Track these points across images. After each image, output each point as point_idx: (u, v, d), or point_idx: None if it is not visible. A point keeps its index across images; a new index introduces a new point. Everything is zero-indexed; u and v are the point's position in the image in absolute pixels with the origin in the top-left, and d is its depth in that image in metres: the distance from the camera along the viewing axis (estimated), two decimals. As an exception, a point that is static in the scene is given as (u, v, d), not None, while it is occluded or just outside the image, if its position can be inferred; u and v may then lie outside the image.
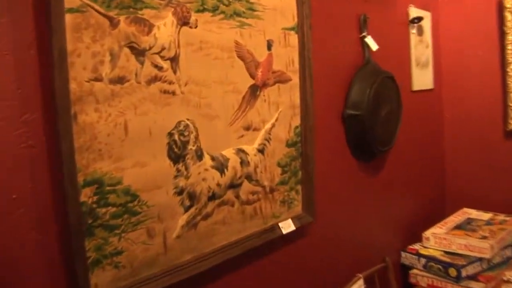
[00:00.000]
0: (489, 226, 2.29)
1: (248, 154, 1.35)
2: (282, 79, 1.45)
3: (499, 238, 2.14)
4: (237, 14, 1.29)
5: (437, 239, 2.20)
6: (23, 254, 0.95)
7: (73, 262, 0.99)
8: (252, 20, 1.34)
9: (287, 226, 1.48)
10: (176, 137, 1.15)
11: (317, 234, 1.68)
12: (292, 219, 1.52)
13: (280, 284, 1.54)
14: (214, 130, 1.25)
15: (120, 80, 1.04)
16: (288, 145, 1.49)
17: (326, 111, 1.71)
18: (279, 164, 1.46)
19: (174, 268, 1.18)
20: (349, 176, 1.87)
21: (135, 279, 1.09)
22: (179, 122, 1.16)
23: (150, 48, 1.09)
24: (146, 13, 1.08)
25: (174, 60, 1.14)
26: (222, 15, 1.25)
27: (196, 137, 1.20)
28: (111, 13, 1.02)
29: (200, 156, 1.21)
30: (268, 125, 1.41)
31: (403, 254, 2.22)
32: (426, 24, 2.47)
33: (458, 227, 2.30)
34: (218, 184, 1.26)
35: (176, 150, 1.15)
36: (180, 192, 1.18)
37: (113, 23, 1.02)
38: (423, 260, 2.14)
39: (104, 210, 1.03)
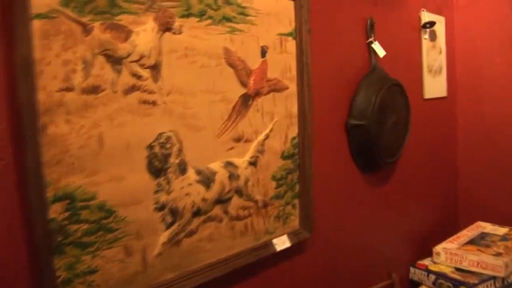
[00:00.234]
0: (504, 241, 2.18)
1: (238, 167, 1.27)
2: (277, 88, 1.38)
3: (514, 255, 2.04)
4: (227, 19, 1.23)
5: (448, 254, 2.10)
6: (-16, 275, 0.89)
7: (41, 281, 0.94)
8: (244, 25, 1.27)
9: (282, 243, 1.41)
10: (156, 149, 1.09)
11: (316, 250, 1.60)
12: (288, 235, 1.45)
13: (275, 303, 1.47)
14: (200, 142, 1.18)
15: (95, 89, 0.98)
16: (284, 157, 1.42)
17: (328, 121, 1.63)
18: (273, 177, 1.39)
19: (155, 287, 1.11)
20: (353, 188, 1.78)
21: (110, 300, 1.03)
22: (161, 134, 1.10)
23: (128, 55, 1.03)
24: (124, 19, 1.02)
25: (155, 68, 1.08)
26: (209, 20, 1.18)
27: (180, 150, 1.13)
28: (84, 19, 0.96)
29: (183, 170, 1.14)
30: (261, 136, 1.34)
31: (412, 269, 2.13)
32: (440, 29, 2.37)
33: (471, 242, 2.20)
34: (204, 200, 1.19)
35: (156, 163, 1.09)
36: (161, 208, 1.11)
37: (86, 30, 0.96)
38: (432, 277, 2.04)
39: (76, 226, 0.97)
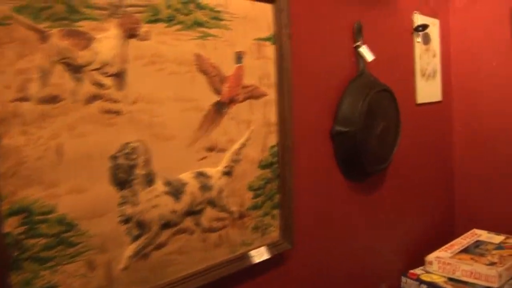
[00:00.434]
0: (499, 250, 2.14)
1: (211, 178, 1.24)
2: (254, 95, 1.34)
3: (509, 265, 1.99)
4: (199, 24, 1.19)
5: (441, 263, 2.06)
6: None
7: (-4, 299, 0.90)
8: (218, 30, 1.24)
9: (260, 255, 1.37)
10: (120, 160, 1.05)
11: (299, 262, 1.56)
12: (267, 246, 1.41)
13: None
14: (170, 152, 1.15)
15: (53, 99, 0.95)
16: (262, 166, 1.38)
17: (311, 128, 1.59)
18: (251, 187, 1.35)
19: (121, 302, 1.08)
20: (339, 197, 1.74)
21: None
22: (125, 144, 1.06)
23: (89, 64, 0.99)
24: (85, 25, 0.99)
25: (119, 76, 1.04)
26: (179, 26, 1.15)
27: (147, 160, 1.10)
28: (41, 26, 0.92)
29: (150, 181, 1.11)
30: (236, 145, 1.30)
31: (403, 279, 2.08)
32: (434, 32, 2.33)
33: (466, 250, 2.16)
34: (173, 211, 1.16)
35: (121, 175, 1.06)
36: (126, 221, 1.08)
37: (43, 37, 0.93)
38: (424, 287, 2.00)
39: (33, 241, 0.94)
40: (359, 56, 1.76)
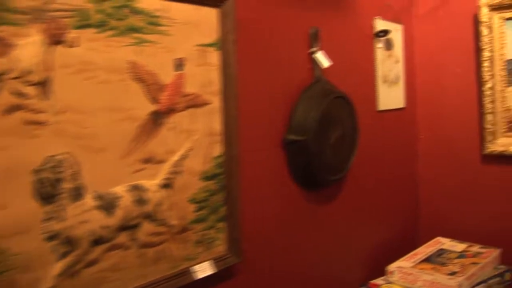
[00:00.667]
0: (461, 259, 2.13)
1: (148, 191, 1.20)
2: (196, 103, 1.30)
3: (469, 274, 1.98)
4: (134, 29, 1.15)
5: (402, 273, 2.04)
6: None
7: None
8: (155, 36, 1.20)
9: (204, 270, 1.33)
10: (45, 174, 1.01)
11: (248, 276, 1.53)
12: (212, 261, 1.37)
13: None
14: (101, 164, 1.10)
15: (-34, 110, 0.90)
16: (206, 177, 1.34)
17: (262, 137, 1.56)
18: (193, 200, 1.31)
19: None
20: (294, 208, 1.71)
21: None
22: (51, 157, 1.02)
23: (8, 72, 0.95)
24: (4, 30, 0.94)
25: (43, 85, 1.00)
26: (112, 31, 1.11)
27: (75, 174, 1.05)
28: (-48, 31, 0.88)
29: (79, 196, 1.06)
30: (176, 157, 1.26)
31: (363, 290, 2.06)
32: (397, 37, 2.32)
33: (428, 259, 2.14)
34: (105, 227, 1.11)
35: (45, 189, 1.01)
36: (52, 237, 1.03)
37: (-46, 43, 0.88)
38: (383, 298, 1.98)
39: None
40: (315, 63, 1.73)
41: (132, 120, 1.15)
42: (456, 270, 2.01)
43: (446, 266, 2.05)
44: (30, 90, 0.98)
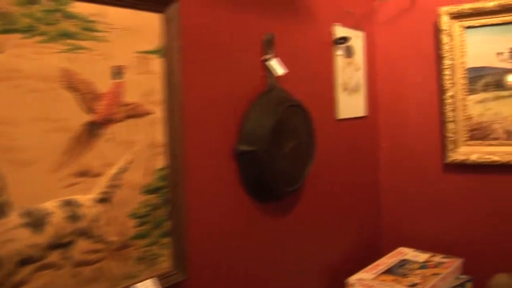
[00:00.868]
0: (423, 270, 2.12)
1: (82, 206, 1.14)
2: (137, 113, 1.25)
3: (430, 286, 1.96)
4: (67, 35, 1.09)
5: (363, 286, 2.02)
6: None
7: None
8: (91, 42, 1.14)
9: (147, 287, 1.28)
10: (-37, 190, 0.94)
11: (196, 293, 1.47)
12: (157, 277, 1.31)
13: None
14: (29, 179, 1.04)
15: None
16: (148, 191, 1.29)
17: (212, 148, 1.51)
18: (134, 215, 1.26)
19: None
20: (246, 221, 1.66)
21: None
22: (-29, 172, 0.95)
23: None
24: None
25: (-39, 94, 0.94)
26: (41, 37, 1.05)
27: (0, 189, 0.99)
28: None
29: (2, 213, 0.99)
30: (114, 170, 1.20)
31: (323, 303, 2.03)
32: (358, 45, 2.30)
33: (389, 271, 2.12)
34: (33, 245, 1.05)
35: (-37, 206, 0.94)
36: (-27, 258, 0.96)
37: None
38: (344, 311, 1.95)
39: None
40: (269, 70, 1.69)
41: (64, 131, 1.09)
42: (417, 281, 1.99)
43: (408, 277, 2.04)
44: None
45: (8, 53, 1.00)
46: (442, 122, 2.37)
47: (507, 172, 2.28)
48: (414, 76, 2.46)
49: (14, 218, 1.02)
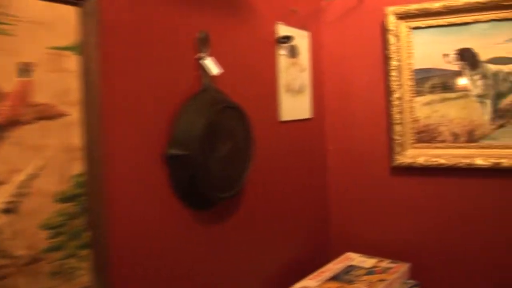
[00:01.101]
0: (369, 276, 2.09)
1: (-18, 217, 1.04)
2: (48, 115, 1.16)
3: (376, 292, 1.93)
4: (-37, 28, 0.99)
5: (306, 295, 1.97)
6: None
7: None
8: (-7, 36, 1.05)
9: (61, 305, 1.18)
10: None
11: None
12: (75, 293, 1.22)
13: None
14: None
15: None
16: (62, 199, 1.20)
17: (139, 152, 1.42)
18: (46, 226, 1.16)
19: None
20: (179, 230, 1.58)
21: None
22: None
23: None
24: None
25: None
26: None
27: None
28: None
29: None
30: (22, 176, 1.10)
31: (264, 314, 1.96)
32: (303, 45, 2.25)
33: (335, 277, 2.08)
34: None
35: None
36: None
37: None
38: (286, 321, 1.89)
39: None
40: (204, 70, 1.62)
41: (-41, 134, 0.99)
42: (363, 288, 1.96)
43: (354, 284, 2.01)
44: None
45: None
46: (389, 124, 2.35)
47: (454, 175, 2.27)
48: (362, 77, 2.43)
49: None
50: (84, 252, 1.26)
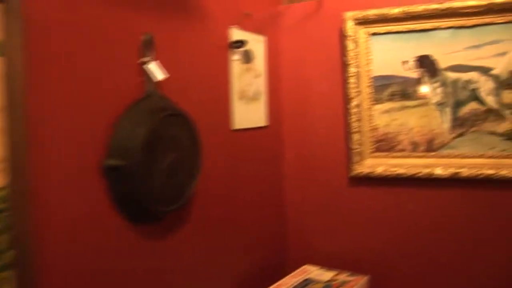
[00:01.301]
0: (327, 289, 2.04)
1: None
2: (-36, 123, 1.06)
3: (332, 308, 1.88)
4: None
5: (261, 310, 1.90)
6: None
7: None
8: None
9: (-22, 333, 1.08)
10: None
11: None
12: (-5, 319, 1.12)
13: None
14: None
15: None
16: (-18, 215, 1.10)
17: (72, 164, 1.33)
18: (-38, 245, 1.06)
19: None
20: (121, 247, 1.48)
21: None
22: None
23: None
24: None
25: None
26: None
27: None
28: None
29: None
30: None
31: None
32: (259, 50, 2.19)
33: (291, 292, 2.03)
34: None
35: None
36: None
37: None
38: None
39: None
40: (148, 75, 1.54)
41: None
42: (319, 303, 1.91)
43: (309, 299, 1.95)
44: None
45: None
46: (348, 132, 2.30)
47: (413, 185, 2.24)
48: (320, 84, 2.39)
49: None
50: (6, 273, 1.16)
